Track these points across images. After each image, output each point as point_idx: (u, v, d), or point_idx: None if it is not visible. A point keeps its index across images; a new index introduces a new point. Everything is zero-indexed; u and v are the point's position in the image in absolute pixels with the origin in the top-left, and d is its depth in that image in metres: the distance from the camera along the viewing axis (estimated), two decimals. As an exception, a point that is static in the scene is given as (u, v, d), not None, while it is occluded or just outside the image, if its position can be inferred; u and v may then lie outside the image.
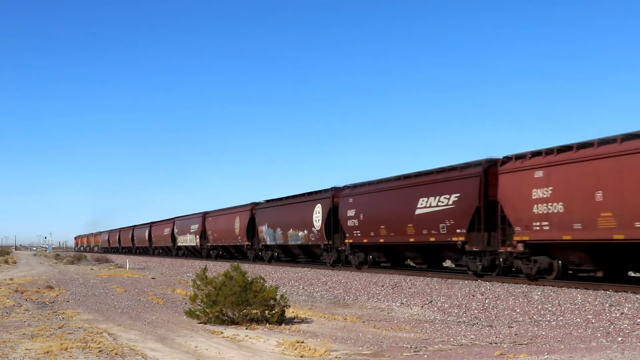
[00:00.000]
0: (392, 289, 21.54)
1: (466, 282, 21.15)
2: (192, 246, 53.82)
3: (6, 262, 57.79)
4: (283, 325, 14.22)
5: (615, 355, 8.97)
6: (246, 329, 13.78)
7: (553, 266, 19.18)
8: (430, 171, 24.70)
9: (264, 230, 39.14)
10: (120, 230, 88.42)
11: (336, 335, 12.74)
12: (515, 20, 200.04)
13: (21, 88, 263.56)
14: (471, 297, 18.12)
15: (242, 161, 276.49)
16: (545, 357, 9.24)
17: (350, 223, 29.12)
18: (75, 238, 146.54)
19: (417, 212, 24.37)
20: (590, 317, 14.13)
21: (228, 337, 12.68)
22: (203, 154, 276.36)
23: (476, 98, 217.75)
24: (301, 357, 10.57)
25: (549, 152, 18.89)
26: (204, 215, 51.06)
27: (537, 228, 18.87)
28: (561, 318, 14.49)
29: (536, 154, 19.40)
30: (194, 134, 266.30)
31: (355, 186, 30.16)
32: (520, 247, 19.72)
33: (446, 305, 17.65)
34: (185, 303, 18.29)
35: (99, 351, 10.75)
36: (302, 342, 11.68)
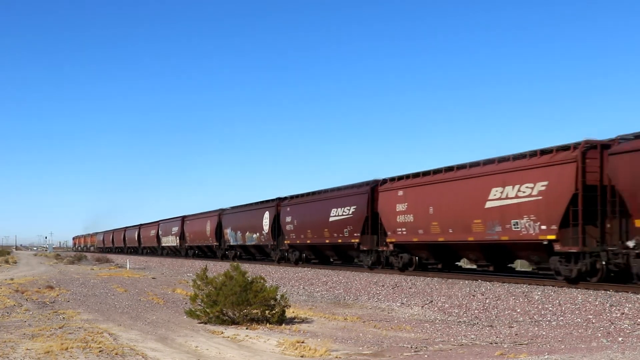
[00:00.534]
0: (392, 289, 21.54)
1: (466, 282, 21.15)
2: (174, 246, 60.40)
3: (6, 262, 57.85)
4: (283, 325, 14.23)
5: (615, 355, 8.96)
6: (246, 328, 13.78)
7: (412, 261, 26.25)
8: (339, 187, 31.86)
9: (228, 232, 45.57)
10: (114, 231, 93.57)
11: (336, 335, 12.74)
12: (515, 20, 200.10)
13: (21, 88, 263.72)
14: (471, 297, 18.12)
15: (242, 161, 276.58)
16: (546, 357, 9.24)
17: (288, 227, 35.74)
18: (74, 238, 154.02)
19: (330, 219, 31.06)
20: (591, 317, 14.13)
21: (228, 337, 12.68)
22: (203, 154, 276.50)
23: (476, 98, 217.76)
24: (301, 357, 10.57)
25: (407, 177, 25.81)
26: (183, 218, 57.59)
27: (399, 233, 25.62)
28: (562, 318, 14.49)
29: (400, 178, 26.44)
30: (193, 134, 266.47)
31: (292, 197, 36.75)
32: (391, 247, 26.75)
33: (446, 305, 17.66)
34: (186, 303, 18.30)
35: (100, 351, 10.75)
36: (303, 342, 11.68)
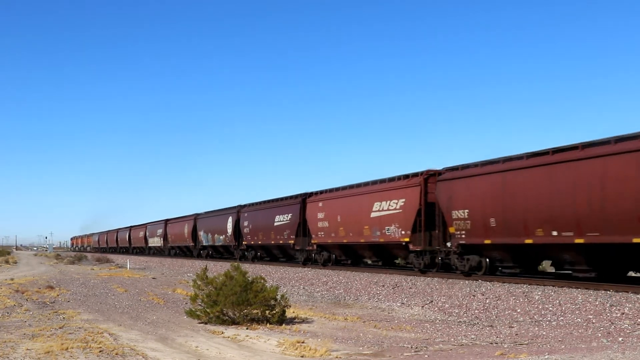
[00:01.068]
0: (392, 289, 21.54)
1: (467, 282, 21.15)
2: (159, 246, 66.91)
3: (7, 262, 57.83)
4: (283, 325, 14.23)
5: (615, 355, 8.96)
6: (247, 329, 13.78)
7: (330, 257, 32.45)
8: (281, 198, 37.93)
9: (201, 234, 51.89)
10: (108, 232, 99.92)
11: (337, 335, 12.74)
12: (515, 21, 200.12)
13: (21, 88, 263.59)
14: (472, 297, 18.12)
15: (242, 161, 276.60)
16: (546, 357, 9.24)
17: (245, 230, 42.27)
18: (72, 239, 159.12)
19: (275, 224, 37.38)
20: (591, 317, 14.13)
21: (228, 337, 12.68)
22: (203, 154, 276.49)
23: (476, 98, 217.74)
24: (302, 357, 10.57)
25: (326, 191, 32.45)
26: (166, 222, 64.38)
27: (320, 235, 32.03)
28: (562, 318, 14.48)
29: (322, 192, 32.81)
30: (193, 134, 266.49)
31: (249, 205, 43.38)
32: (314, 247, 32.96)
33: (447, 305, 17.66)
34: (186, 303, 18.30)
35: (100, 351, 10.75)
36: (303, 342, 11.68)
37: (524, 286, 18.81)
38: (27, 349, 10.81)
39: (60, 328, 13.57)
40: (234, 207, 45.04)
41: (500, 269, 22.13)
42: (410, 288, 21.11)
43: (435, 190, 23.73)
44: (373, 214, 27.25)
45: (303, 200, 34.36)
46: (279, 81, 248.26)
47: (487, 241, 20.99)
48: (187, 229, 55.34)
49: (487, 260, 21.91)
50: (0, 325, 14.08)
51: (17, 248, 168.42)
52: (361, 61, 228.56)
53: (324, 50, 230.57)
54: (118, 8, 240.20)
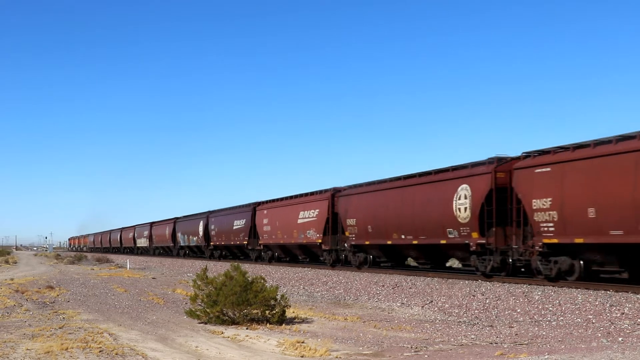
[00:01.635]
0: (392, 289, 21.55)
1: (467, 282, 21.16)
2: (145, 246, 73.54)
3: (7, 262, 57.87)
4: (283, 325, 14.23)
5: (615, 355, 8.97)
6: (247, 329, 13.79)
7: (273, 256, 39.27)
8: (238, 206, 45.37)
9: (179, 236, 58.58)
10: (102, 233, 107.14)
11: (337, 335, 12.74)
12: (514, 20, 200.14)
13: (21, 88, 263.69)
14: (472, 297, 18.12)
15: (243, 161, 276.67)
16: (546, 357, 9.24)
17: (212, 233, 49.36)
18: (69, 239, 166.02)
19: (234, 228, 44.06)
20: (591, 317, 14.13)
21: (228, 337, 12.69)
22: (202, 155, 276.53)
23: (476, 98, 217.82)
24: (302, 357, 10.57)
25: (268, 201, 39.69)
26: (151, 224, 71.11)
27: (265, 237, 38.98)
28: (562, 318, 14.49)
29: (266, 202, 40.19)
30: (193, 134, 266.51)
31: (216, 211, 50.32)
32: (261, 246, 39.84)
33: (447, 305, 17.66)
34: (186, 303, 18.30)
35: (100, 351, 10.76)
36: (303, 342, 11.68)
37: (524, 286, 18.81)
38: (27, 349, 10.82)
39: (60, 328, 13.57)
40: (204, 213, 52.39)
41: (380, 263, 29.07)
42: (410, 288, 21.11)
43: (337, 203, 31.13)
44: (299, 221, 34.43)
45: (254, 208, 41.34)
46: (278, 81, 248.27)
47: (367, 242, 28.20)
48: (168, 231, 62.63)
49: (370, 256, 29.03)
50: (0, 325, 14.09)
51: (17, 248, 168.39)
52: (361, 61, 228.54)
53: (324, 50, 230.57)
54: (118, 8, 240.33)
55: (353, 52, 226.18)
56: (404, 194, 25.57)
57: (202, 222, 51.32)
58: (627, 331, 12.16)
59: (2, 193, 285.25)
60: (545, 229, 18.61)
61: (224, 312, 14.52)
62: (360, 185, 29.70)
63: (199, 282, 15.22)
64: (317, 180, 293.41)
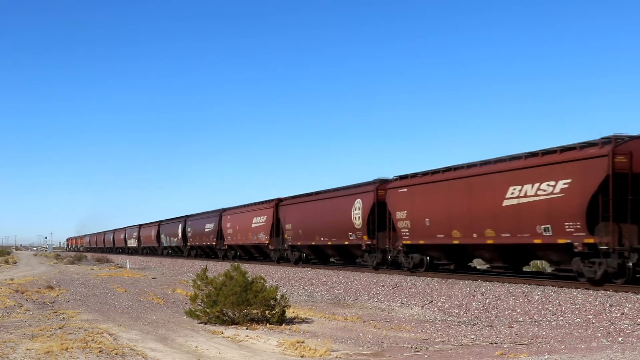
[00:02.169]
0: (392, 289, 21.55)
1: (467, 282, 21.16)
2: (135, 246, 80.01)
3: (7, 262, 57.87)
4: (283, 325, 14.23)
5: (615, 355, 8.97)
6: (246, 329, 13.79)
7: (236, 254, 46.10)
8: (208, 212, 52.36)
9: (163, 237, 65.81)
10: (97, 234, 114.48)
11: (336, 335, 12.74)
12: (515, 20, 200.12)
13: (21, 88, 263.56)
14: (471, 297, 18.12)
15: (242, 161, 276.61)
16: (546, 357, 9.24)
17: (189, 234, 56.18)
18: (67, 239, 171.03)
19: (205, 230, 51.19)
20: (591, 317, 14.13)
21: (228, 337, 12.69)
22: (203, 154, 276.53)
23: (476, 98, 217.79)
24: (301, 357, 10.57)
25: (231, 208, 46.97)
26: (140, 226, 77.92)
27: (229, 239, 45.83)
28: (562, 318, 14.49)
29: (229, 208, 47.44)
30: (193, 134, 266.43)
31: (191, 215, 57.24)
32: (226, 246, 46.88)
33: (446, 306, 17.66)
34: (186, 303, 18.30)
35: (100, 351, 10.76)
36: (303, 342, 11.68)
37: (524, 286, 18.82)
38: (27, 349, 10.82)
39: (60, 328, 13.57)
40: (183, 217, 59.51)
41: (310, 260, 35.29)
42: (410, 288, 21.11)
43: (280, 211, 37.47)
44: (253, 225, 41.11)
45: (220, 214, 48.00)
46: (278, 81, 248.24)
47: (299, 243, 34.83)
48: (153, 232, 69.59)
49: (303, 254, 35.48)
50: (0, 325, 14.09)
51: (17, 248, 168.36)
52: (361, 61, 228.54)
53: (324, 50, 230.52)
54: (117, 8, 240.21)
55: (353, 52, 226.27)
56: (322, 205, 32.74)
57: (180, 225, 58.48)
58: (627, 331, 12.16)
59: (2, 193, 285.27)
60: (404, 233, 25.30)
61: (224, 312, 14.52)
62: (295, 197, 36.85)
63: (199, 282, 15.22)
64: (317, 180, 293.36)
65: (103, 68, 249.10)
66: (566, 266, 18.85)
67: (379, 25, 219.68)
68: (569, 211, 17.78)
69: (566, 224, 17.79)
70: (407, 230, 24.85)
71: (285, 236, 36.15)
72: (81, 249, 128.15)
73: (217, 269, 45.89)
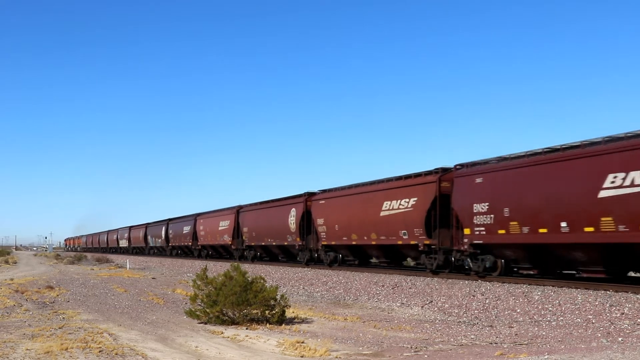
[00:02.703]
0: (392, 289, 21.54)
1: (466, 282, 21.16)
2: (126, 246, 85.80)
3: (6, 262, 57.86)
4: (283, 325, 14.23)
5: (615, 356, 8.97)
6: (246, 329, 13.79)
7: (208, 254, 51.51)
8: (185, 216, 59.79)
9: (149, 238, 71.66)
10: (93, 235, 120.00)
11: (336, 336, 12.74)
12: (514, 21, 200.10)
13: (21, 88, 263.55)
14: (471, 297, 18.12)
15: (242, 161, 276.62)
16: (546, 357, 9.24)
17: (171, 236, 61.98)
18: (65, 240, 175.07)
19: (183, 233, 57.21)
20: (591, 317, 14.13)
21: (228, 337, 12.69)
22: (203, 155, 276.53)
23: (476, 98, 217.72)
24: (301, 357, 10.57)
25: (203, 213, 53.36)
26: (130, 228, 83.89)
27: (202, 240, 51.87)
28: (561, 318, 14.49)
29: (203, 213, 53.44)
30: (193, 134, 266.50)
31: (174, 218, 62.82)
32: (200, 247, 52.42)
33: (446, 306, 17.66)
34: (186, 303, 18.30)
35: (100, 351, 10.76)
36: (303, 342, 11.68)
37: (524, 286, 18.82)
38: (27, 349, 10.82)
39: (60, 328, 13.57)
40: (165, 220, 65.65)
41: (263, 258, 42.02)
42: (410, 288, 21.11)
43: (240, 217, 43.60)
44: (219, 228, 47.09)
45: (195, 218, 54.31)
46: (278, 81, 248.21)
47: (254, 243, 41.18)
48: (141, 234, 74.88)
49: (258, 253, 42.13)
50: (0, 325, 14.09)
51: (16, 248, 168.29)
52: (361, 61, 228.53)
53: (324, 50, 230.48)
54: (117, 8, 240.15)
55: (353, 52, 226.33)
56: (268, 212, 38.94)
57: (164, 227, 64.66)
58: (627, 331, 12.16)
59: (2, 193, 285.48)
60: (323, 236, 31.88)
61: (224, 312, 14.51)
62: (251, 204, 43.42)
63: (199, 282, 15.22)
64: (318, 180, 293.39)
65: (103, 68, 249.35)
66: (419, 261, 26.17)
67: (379, 25, 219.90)
68: (416, 220, 24.50)
69: (415, 230, 24.54)
70: (324, 233, 31.63)
71: (244, 238, 42.67)
72: (78, 249, 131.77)
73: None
